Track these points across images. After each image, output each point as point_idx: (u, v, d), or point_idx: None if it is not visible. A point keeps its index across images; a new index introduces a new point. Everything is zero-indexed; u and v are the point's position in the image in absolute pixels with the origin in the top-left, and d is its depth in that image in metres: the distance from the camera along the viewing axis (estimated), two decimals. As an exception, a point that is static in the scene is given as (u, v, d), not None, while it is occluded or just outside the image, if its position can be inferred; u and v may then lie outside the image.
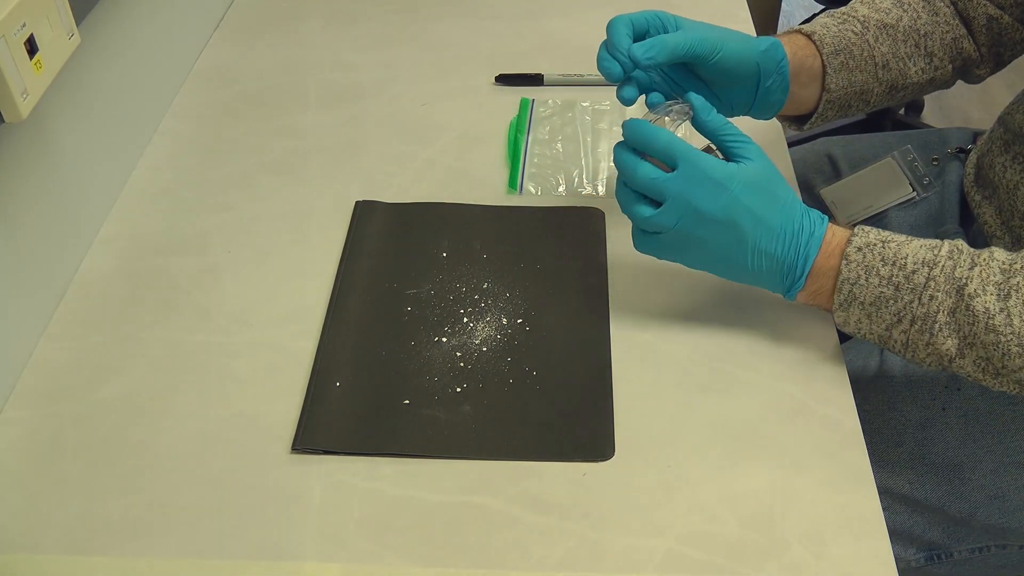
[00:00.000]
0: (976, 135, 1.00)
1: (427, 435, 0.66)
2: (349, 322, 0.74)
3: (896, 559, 0.59)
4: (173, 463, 0.65)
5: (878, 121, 2.20)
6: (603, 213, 0.83)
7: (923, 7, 0.84)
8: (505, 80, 1.02)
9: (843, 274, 0.65)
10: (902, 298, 0.64)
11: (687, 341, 0.72)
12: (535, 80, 1.01)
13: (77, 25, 0.71)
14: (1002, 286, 0.62)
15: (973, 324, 0.62)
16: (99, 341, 0.73)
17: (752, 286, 0.70)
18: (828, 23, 0.82)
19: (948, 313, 0.63)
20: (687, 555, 0.59)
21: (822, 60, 0.79)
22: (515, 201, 0.86)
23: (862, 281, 0.65)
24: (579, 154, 0.92)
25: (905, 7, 0.84)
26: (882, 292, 0.65)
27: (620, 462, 0.64)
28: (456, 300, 0.75)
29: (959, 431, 0.77)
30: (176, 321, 0.75)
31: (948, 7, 0.84)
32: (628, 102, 0.72)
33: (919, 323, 0.64)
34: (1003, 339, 0.62)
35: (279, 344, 0.73)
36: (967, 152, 0.97)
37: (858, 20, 0.82)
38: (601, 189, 0.87)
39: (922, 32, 0.83)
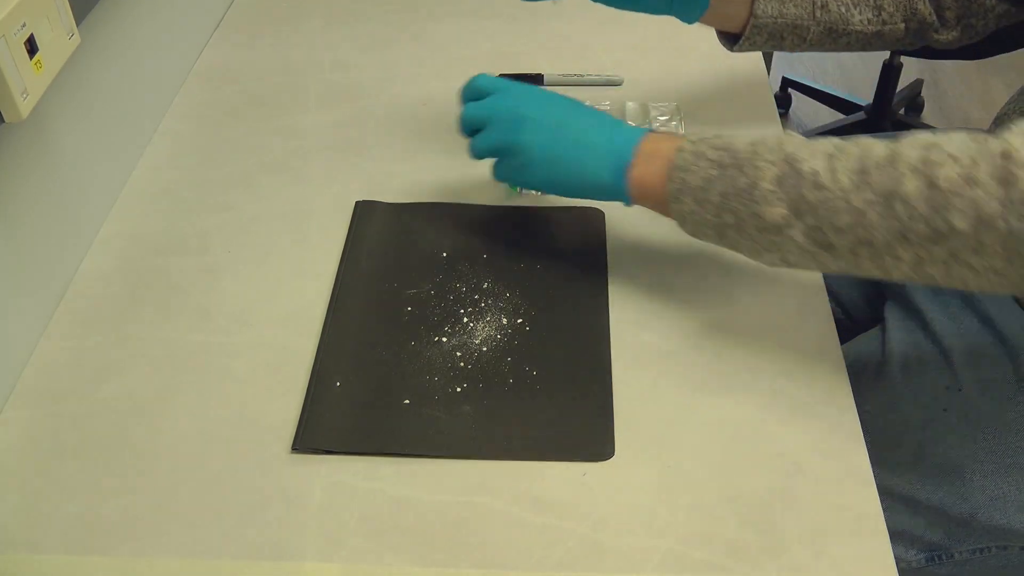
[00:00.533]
0: None
1: (427, 435, 0.66)
2: (349, 322, 0.74)
3: (896, 560, 0.59)
4: (173, 463, 0.65)
5: (877, 121, 2.20)
6: (603, 213, 0.83)
7: None
8: (505, 80, 1.02)
9: (675, 162, 0.67)
10: (727, 174, 0.64)
11: (687, 341, 0.72)
12: (535, 80, 1.01)
13: (77, 25, 0.71)
14: (831, 156, 0.61)
15: (799, 186, 0.61)
16: (99, 341, 0.73)
17: (598, 200, 0.76)
18: None
19: (774, 181, 0.62)
20: (687, 555, 0.59)
21: None
22: (515, 201, 0.86)
23: (691, 167, 0.66)
24: (579, 154, 0.92)
25: None
26: (710, 174, 0.65)
27: (620, 462, 0.64)
28: (456, 300, 0.75)
29: (960, 432, 0.77)
30: (176, 321, 0.75)
31: None
32: None
33: (744, 195, 0.63)
34: (830, 196, 0.60)
35: (279, 344, 0.73)
36: None
37: None
38: (601, 189, 0.87)
39: None
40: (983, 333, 0.80)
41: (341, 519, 0.61)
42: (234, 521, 0.61)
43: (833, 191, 0.60)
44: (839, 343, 0.72)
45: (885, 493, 0.63)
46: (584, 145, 0.71)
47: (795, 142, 0.63)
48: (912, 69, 2.39)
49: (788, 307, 0.75)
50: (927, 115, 2.33)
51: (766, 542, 0.60)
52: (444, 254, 0.80)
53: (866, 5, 0.83)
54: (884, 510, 0.61)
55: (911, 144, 0.59)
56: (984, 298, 0.82)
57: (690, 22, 0.84)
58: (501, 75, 1.01)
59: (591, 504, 0.62)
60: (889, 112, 2.21)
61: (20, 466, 0.65)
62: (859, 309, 0.98)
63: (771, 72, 2.42)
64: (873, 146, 0.60)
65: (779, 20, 0.81)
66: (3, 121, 0.63)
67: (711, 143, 0.66)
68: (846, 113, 2.33)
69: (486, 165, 0.91)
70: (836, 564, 0.59)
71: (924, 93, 2.44)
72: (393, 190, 0.87)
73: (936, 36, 0.86)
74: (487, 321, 0.74)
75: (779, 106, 2.46)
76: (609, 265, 0.79)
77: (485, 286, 0.77)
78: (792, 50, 0.85)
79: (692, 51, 1.06)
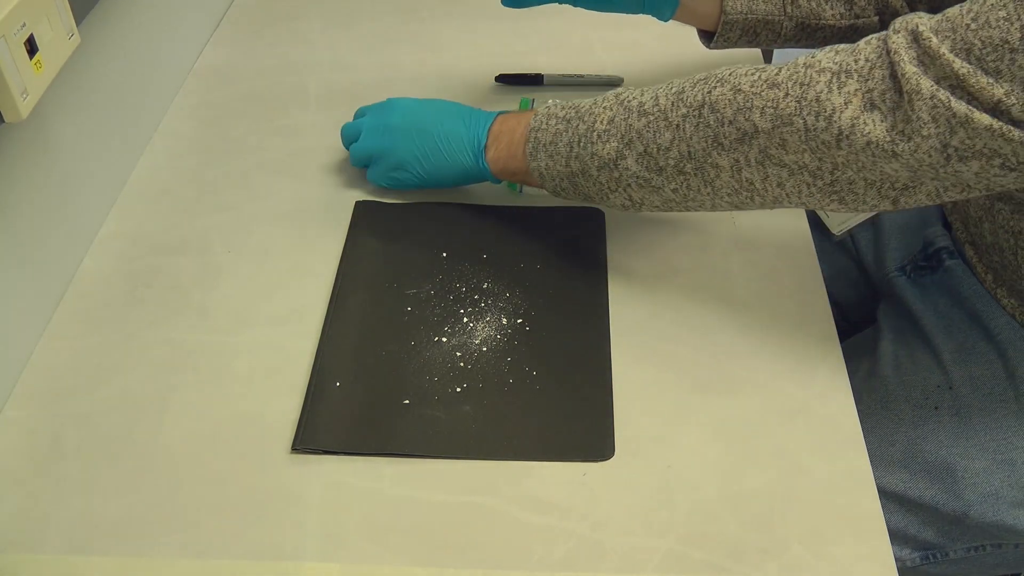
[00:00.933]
0: None
1: (427, 435, 0.66)
2: (349, 322, 0.74)
3: (895, 566, 0.59)
4: (173, 463, 0.65)
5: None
6: (603, 213, 0.83)
7: None
8: (505, 80, 1.01)
9: (531, 125, 0.74)
10: (571, 126, 0.71)
11: (687, 341, 0.72)
12: (535, 80, 1.01)
13: (77, 25, 0.71)
14: (657, 89, 0.68)
15: (628, 118, 0.67)
16: (99, 341, 0.73)
17: (470, 184, 0.84)
18: None
19: (607, 121, 0.68)
20: (687, 555, 0.59)
21: None
22: (515, 201, 0.86)
23: (543, 126, 0.72)
24: (579, 154, 0.92)
25: None
26: (558, 128, 0.72)
27: (620, 462, 0.64)
28: (456, 300, 0.75)
29: (952, 430, 0.78)
30: (176, 321, 0.75)
31: None
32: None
33: (584, 139, 0.69)
34: (652, 119, 0.66)
35: (279, 344, 0.73)
36: None
37: None
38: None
39: None
40: (972, 331, 0.81)
41: (341, 519, 0.61)
42: (234, 521, 0.61)
43: (654, 114, 0.66)
44: (839, 343, 0.72)
45: (878, 492, 0.63)
46: (444, 137, 0.79)
47: (634, 91, 0.70)
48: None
49: (788, 307, 0.75)
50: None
51: (766, 542, 0.60)
52: (444, 254, 0.80)
53: (837, 0, 0.83)
54: (880, 511, 0.62)
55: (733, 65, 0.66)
56: (972, 295, 0.81)
57: (664, 20, 0.86)
58: (501, 75, 1.02)
59: (591, 504, 0.62)
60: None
61: (20, 466, 0.65)
62: (854, 311, 0.99)
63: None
64: (690, 78, 0.67)
65: (749, 16, 0.83)
66: (3, 121, 0.63)
67: (562, 105, 0.73)
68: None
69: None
70: (836, 564, 0.59)
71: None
72: (393, 190, 0.87)
73: None
74: (487, 321, 0.74)
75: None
76: (609, 265, 0.79)
77: (485, 286, 0.77)
78: (769, 46, 0.87)
79: (693, 51, 1.06)
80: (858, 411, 0.68)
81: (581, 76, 1.01)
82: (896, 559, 0.78)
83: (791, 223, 0.83)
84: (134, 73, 0.91)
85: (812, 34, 0.85)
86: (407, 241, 0.81)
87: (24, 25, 0.63)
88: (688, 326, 0.74)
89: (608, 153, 0.68)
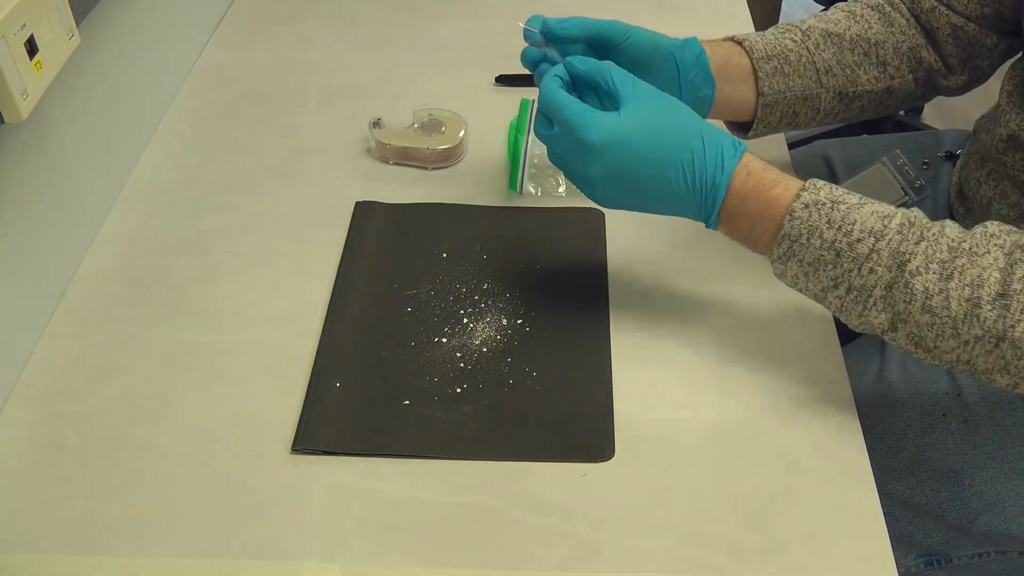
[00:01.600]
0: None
1: (427, 435, 0.66)
2: (349, 322, 0.74)
3: (896, 565, 0.59)
4: (173, 463, 0.64)
5: (877, 121, 2.20)
6: (603, 214, 0.83)
7: (876, 19, 0.82)
8: (505, 80, 1.01)
9: (784, 229, 0.63)
10: (842, 264, 0.62)
11: (687, 341, 0.72)
12: (535, 80, 1.01)
13: (77, 25, 0.71)
14: (946, 265, 0.60)
15: (909, 302, 0.60)
16: (99, 341, 0.73)
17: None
18: (766, 32, 0.81)
19: (885, 288, 0.61)
20: (687, 555, 0.59)
21: (752, 63, 0.78)
22: (515, 201, 0.86)
23: (803, 240, 0.63)
24: (579, 154, 0.91)
25: (856, 18, 0.82)
26: (822, 255, 0.63)
27: (620, 462, 0.64)
28: (456, 301, 0.75)
29: (959, 437, 0.77)
30: (176, 321, 0.75)
31: (904, 18, 0.83)
32: (528, 61, 0.75)
33: (855, 293, 0.62)
34: (938, 321, 0.60)
35: (279, 344, 0.73)
36: (957, 157, 0.97)
37: (800, 30, 0.81)
38: (601, 189, 0.87)
39: (873, 41, 0.81)
40: None
41: (341, 519, 0.61)
42: (234, 521, 0.61)
43: (942, 317, 0.60)
44: (839, 343, 0.72)
45: (884, 498, 0.63)
46: (661, 197, 0.66)
47: (912, 239, 0.61)
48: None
49: (788, 307, 0.75)
50: (927, 115, 2.33)
51: (766, 542, 0.60)
52: (444, 254, 0.80)
53: (870, 63, 0.82)
54: (883, 515, 0.61)
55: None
56: None
57: (703, 113, 0.79)
58: (501, 76, 1.01)
59: (591, 504, 0.62)
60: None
61: (20, 466, 0.64)
62: None
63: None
64: (987, 270, 0.59)
65: (787, 94, 0.79)
66: (3, 121, 0.63)
67: (827, 215, 0.62)
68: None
69: (486, 165, 0.91)
70: (836, 564, 0.59)
71: (924, 93, 2.43)
72: (393, 190, 0.87)
73: (944, 83, 0.85)
74: (487, 322, 0.74)
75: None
76: (609, 265, 0.79)
77: (485, 286, 0.77)
78: (808, 124, 0.83)
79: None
80: (864, 416, 0.68)
81: (581, 76, 1.01)
82: (900, 565, 0.78)
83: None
84: (134, 73, 0.91)
85: (850, 104, 0.82)
86: (407, 241, 0.81)
87: (24, 25, 0.63)
88: (688, 326, 0.74)
89: (879, 323, 0.62)
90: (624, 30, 0.75)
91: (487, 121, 0.95)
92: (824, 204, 0.63)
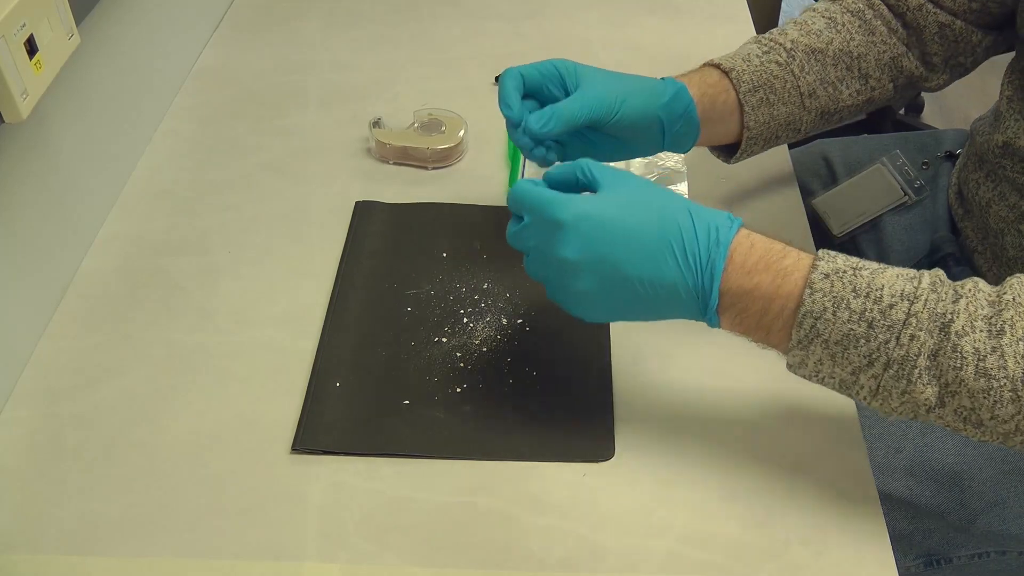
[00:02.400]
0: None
1: (427, 435, 0.66)
2: (349, 322, 0.74)
3: (895, 565, 0.59)
4: (173, 463, 0.65)
5: (877, 121, 2.20)
6: (603, 213, 0.83)
7: (858, 27, 0.81)
8: (505, 80, 1.01)
9: (806, 306, 0.55)
10: (876, 336, 0.54)
11: (687, 341, 0.72)
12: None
13: (77, 25, 0.71)
14: (992, 321, 0.53)
15: (960, 368, 0.53)
16: (99, 341, 0.73)
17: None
18: (751, 53, 0.78)
19: (930, 356, 0.54)
20: (687, 555, 0.59)
21: (738, 97, 0.76)
22: (515, 201, 0.86)
23: (829, 315, 0.55)
24: (579, 154, 0.91)
25: (838, 28, 0.81)
26: (852, 329, 0.54)
27: (620, 462, 0.64)
28: (456, 300, 0.75)
29: (959, 438, 0.77)
30: (176, 321, 0.75)
31: (885, 24, 0.81)
32: (541, 161, 0.72)
33: (895, 367, 0.54)
34: (996, 384, 0.53)
35: (279, 344, 0.73)
36: (956, 157, 0.97)
37: (784, 48, 0.79)
38: (601, 189, 0.87)
39: (855, 54, 0.80)
40: None
41: (341, 519, 0.61)
42: (234, 521, 0.61)
43: (999, 379, 0.53)
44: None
45: (884, 499, 0.63)
46: (646, 285, 0.58)
47: (948, 298, 0.54)
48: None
49: (788, 307, 0.75)
50: (927, 115, 2.33)
51: (766, 542, 0.60)
52: (444, 254, 0.80)
53: (852, 77, 0.80)
54: (883, 515, 0.61)
55: None
56: None
57: (685, 151, 0.78)
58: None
59: (591, 504, 0.62)
60: (889, 112, 2.20)
61: (20, 466, 0.64)
62: None
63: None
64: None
65: (772, 123, 0.77)
66: (3, 121, 0.63)
67: (851, 282, 0.55)
68: (846, 114, 2.32)
69: (486, 165, 0.91)
70: (836, 564, 0.59)
71: (924, 93, 2.44)
72: (393, 190, 0.87)
73: (925, 84, 0.84)
74: (487, 322, 0.74)
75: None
76: (609, 265, 0.78)
77: (485, 286, 0.77)
78: (787, 142, 0.82)
79: (693, 52, 1.06)
80: (865, 418, 0.68)
81: (581, 76, 1.01)
82: (900, 566, 0.78)
83: (791, 222, 0.83)
84: (134, 73, 0.91)
85: (830, 118, 0.81)
86: (407, 241, 0.81)
87: (24, 25, 0.63)
88: (688, 326, 0.73)
89: (926, 399, 0.54)
90: (611, 106, 0.70)
91: (487, 121, 0.95)
92: (845, 272, 0.56)
